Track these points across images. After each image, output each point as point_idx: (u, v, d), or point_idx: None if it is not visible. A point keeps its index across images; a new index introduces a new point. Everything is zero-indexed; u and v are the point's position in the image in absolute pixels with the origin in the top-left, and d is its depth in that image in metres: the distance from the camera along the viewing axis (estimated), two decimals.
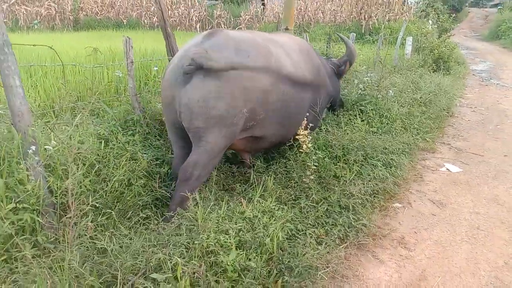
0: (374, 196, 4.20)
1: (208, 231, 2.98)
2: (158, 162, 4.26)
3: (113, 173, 3.79)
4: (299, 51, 4.45)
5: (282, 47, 4.15)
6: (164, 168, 4.19)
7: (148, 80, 6.40)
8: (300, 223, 3.40)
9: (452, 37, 16.20)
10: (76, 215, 3.07)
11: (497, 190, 4.99)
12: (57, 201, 3.27)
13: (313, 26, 23.08)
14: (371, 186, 4.21)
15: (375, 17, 21.42)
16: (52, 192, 3.29)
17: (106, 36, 17.02)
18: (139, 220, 3.55)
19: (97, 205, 3.45)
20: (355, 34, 10.88)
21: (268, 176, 4.05)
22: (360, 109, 6.17)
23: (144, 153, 4.25)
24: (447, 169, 5.62)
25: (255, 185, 3.97)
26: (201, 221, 3.10)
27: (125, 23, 24.06)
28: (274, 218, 3.32)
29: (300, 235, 3.28)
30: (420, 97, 7.67)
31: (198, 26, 25.32)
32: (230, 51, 3.48)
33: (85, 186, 3.45)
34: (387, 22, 22.04)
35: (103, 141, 4.12)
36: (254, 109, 3.59)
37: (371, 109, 6.17)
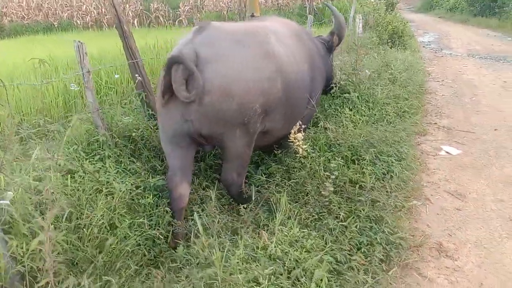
0: (395, 198, 3.68)
1: (234, 284, 2.31)
2: (139, 191, 3.50)
3: (88, 215, 3.01)
4: (292, 36, 3.97)
5: (276, 34, 3.65)
6: (148, 198, 3.44)
7: (107, 91, 5.51)
8: (337, 251, 2.79)
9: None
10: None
11: (507, 170, 4.66)
12: (25, 269, 2.47)
13: (258, 12, 22.44)
14: (391, 187, 3.69)
15: None
16: (16, 258, 2.49)
17: (36, 41, 15.45)
18: (131, 274, 2.82)
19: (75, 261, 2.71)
20: (312, 17, 10.33)
21: (277, 193, 3.42)
22: (344, 97, 5.65)
23: (121, 182, 3.47)
24: (447, 152, 5.25)
25: (272, 207, 3.33)
26: (221, 271, 2.43)
27: (56, 26, 22.19)
28: (304, 249, 2.70)
29: (344, 269, 2.69)
30: (395, 77, 7.28)
31: (135, 22, 23.86)
32: (226, 44, 3.09)
33: (58, 243, 2.66)
34: (330, 2, 21.86)
35: (67, 175, 3.31)
36: (264, 103, 3.22)
37: (356, 96, 5.66)
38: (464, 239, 3.41)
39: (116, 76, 5.26)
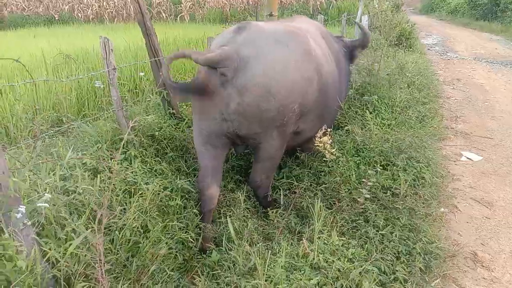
0: (428, 205, 3.62)
1: None
2: (167, 192, 3.41)
3: (120, 218, 2.93)
4: (323, 37, 4.00)
5: (309, 33, 3.65)
6: (176, 200, 3.36)
7: (133, 89, 5.38)
8: (380, 261, 2.72)
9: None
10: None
11: None
12: (60, 274, 2.39)
13: (259, 9, 22.32)
14: (425, 195, 3.63)
15: None
16: (50, 262, 2.40)
17: (40, 34, 15.23)
18: (165, 279, 2.75)
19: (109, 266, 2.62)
20: (323, 16, 10.26)
21: (310, 198, 3.35)
22: (364, 100, 5.58)
23: (149, 183, 3.38)
24: (468, 158, 5.21)
25: (307, 212, 3.26)
26: (264, 280, 2.36)
27: (57, 18, 21.93)
28: (346, 259, 2.63)
29: (390, 280, 2.62)
30: (412, 80, 7.22)
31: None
32: (267, 43, 3.05)
33: (93, 246, 2.57)
34: (334, 2, 21.82)
35: (97, 175, 3.21)
36: (302, 103, 3.20)
37: (376, 99, 5.59)
38: (498, 249, 3.36)
39: (141, 73, 5.12)
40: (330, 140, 3.59)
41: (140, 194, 3.14)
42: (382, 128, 4.71)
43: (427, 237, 3.09)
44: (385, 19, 13.33)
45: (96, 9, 23.87)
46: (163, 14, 24.47)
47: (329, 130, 3.70)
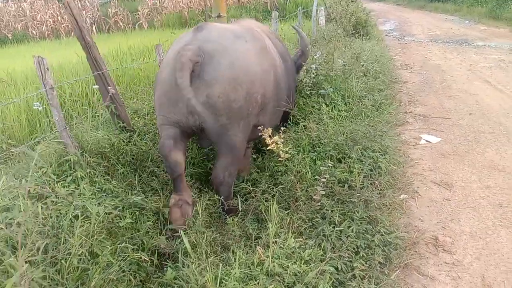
0: (384, 195, 3.59)
1: None
2: (117, 211, 3.25)
3: (65, 244, 2.77)
4: (268, 37, 4.08)
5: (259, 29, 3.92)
6: (126, 219, 3.20)
7: (72, 104, 5.17)
8: (336, 259, 2.65)
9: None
10: None
11: (488, 155, 4.67)
12: None
13: (207, 11, 22.11)
14: (381, 185, 3.59)
15: None
16: None
17: None
18: None
19: None
20: (277, 13, 10.19)
21: (266, 201, 3.26)
22: (320, 93, 5.53)
23: (97, 204, 3.22)
24: (427, 140, 5.23)
25: (262, 216, 3.17)
26: None
27: (10, 38, 21.19)
28: (303, 261, 2.55)
29: (347, 278, 2.55)
30: (367, 68, 7.24)
31: (94, 28, 23.08)
32: (228, 38, 3.27)
33: (34, 281, 2.41)
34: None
35: (38, 201, 3.04)
36: (263, 94, 3.37)
37: (332, 91, 5.55)
38: (459, 230, 3.35)
39: (95, 86, 4.91)
40: (281, 140, 3.54)
41: (85, 218, 2.98)
42: (337, 121, 4.67)
43: (385, 228, 3.04)
44: (340, 10, 13.46)
45: (51, 25, 23.21)
46: (121, 24, 23.99)
47: (282, 128, 3.64)
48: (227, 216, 3.34)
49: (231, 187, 3.44)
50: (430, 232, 3.33)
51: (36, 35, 22.10)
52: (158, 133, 4.61)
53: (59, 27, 23.29)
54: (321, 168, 3.38)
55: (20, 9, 23.67)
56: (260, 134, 3.41)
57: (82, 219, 2.93)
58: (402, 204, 3.64)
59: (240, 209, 3.44)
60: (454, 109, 6.33)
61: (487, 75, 8.26)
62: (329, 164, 3.48)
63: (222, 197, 3.41)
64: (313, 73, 5.56)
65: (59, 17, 23.60)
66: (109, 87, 4.36)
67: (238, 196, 3.53)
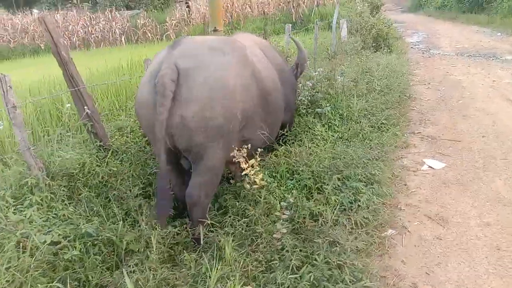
0: (365, 232, 3.21)
1: None
2: (66, 242, 3.01)
3: None
4: (259, 48, 4.07)
5: (248, 45, 3.73)
6: (74, 250, 2.95)
7: (47, 125, 5.02)
8: None
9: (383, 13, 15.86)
10: None
11: (495, 185, 4.20)
12: None
13: (243, 22, 22.13)
14: (359, 219, 3.22)
15: (304, 4, 20.79)
16: None
17: (22, 65, 15.07)
18: None
19: None
20: (290, 25, 9.91)
21: (223, 237, 2.95)
22: (317, 112, 5.20)
23: (45, 233, 3.00)
24: (429, 166, 4.78)
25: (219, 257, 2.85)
26: None
27: (43, 48, 21.86)
28: None
29: None
30: (373, 85, 6.83)
31: (123, 39, 23.53)
32: (204, 52, 3.15)
33: None
34: (316, 8, 21.52)
35: None
36: (243, 108, 3.21)
37: (329, 110, 5.21)
38: (444, 278, 2.93)
39: (68, 105, 4.77)
40: (257, 163, 3.26)
41: (23, 249, 2.77)
42: (328, 143, 4.32)
43: (353, 274, 2.67)
44: (360, 22, 13.04)
45: (82, 35, 23.81)
46: (149, 34, 24.33)
47: (259, 150, 3.37)
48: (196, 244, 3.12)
49: (205, 209, 3.22)
50: (410, 278, 2.92)
51: (68, 45, 22.69)
52: (139, 151, 4.42)
53: (89, 37, 23.89)
54: (280, 203, 3.05)
55: (54, 20, 24.40)
56: (237, 155, 3.18)
57: (18, 252, 2.72)
58: (384, 242, 3.26)
59: (201, 243, 3.15)
60: (467, 130, 5.84)
61: (511, 92, 7.67)
62: (297, 195, 3.14)
63: (194, 218, 3.18)
64: (308, 91, 5.25)
65: (89, 28, 24.23)
66: (85, 107, 4.21)
67: (201, 226, 3.24)
